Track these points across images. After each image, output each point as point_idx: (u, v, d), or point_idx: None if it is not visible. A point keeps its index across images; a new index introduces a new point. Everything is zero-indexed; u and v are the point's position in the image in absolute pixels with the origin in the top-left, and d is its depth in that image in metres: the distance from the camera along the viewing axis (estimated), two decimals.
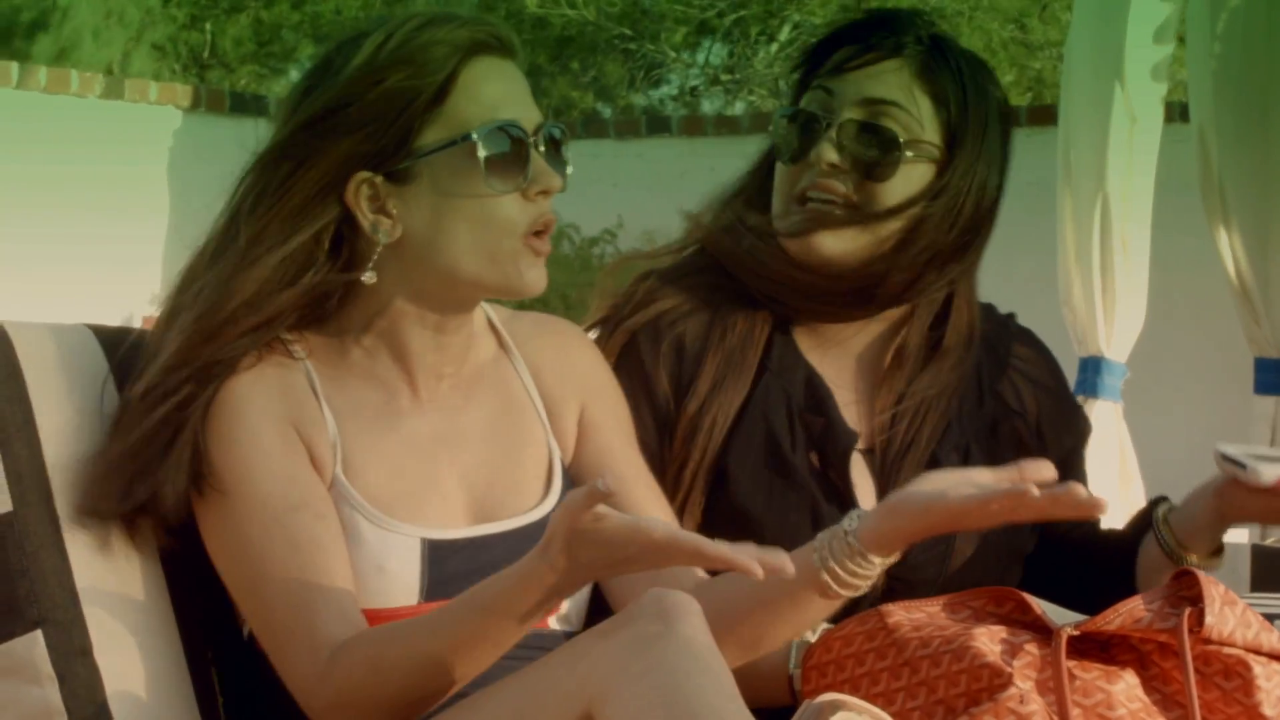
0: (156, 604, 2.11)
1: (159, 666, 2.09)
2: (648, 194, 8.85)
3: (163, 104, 9.27)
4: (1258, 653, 2.08)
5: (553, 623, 2.15)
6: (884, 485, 2.35)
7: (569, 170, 2.12)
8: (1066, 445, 2.48)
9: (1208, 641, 2.05)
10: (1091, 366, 5.42)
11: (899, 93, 2.35)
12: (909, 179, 2.36)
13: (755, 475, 2.33)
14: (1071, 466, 2.45)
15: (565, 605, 2.15)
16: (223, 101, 9.51)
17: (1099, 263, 5.38)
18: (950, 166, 2.37)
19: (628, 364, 2.36)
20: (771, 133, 2.42)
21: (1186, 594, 2.09)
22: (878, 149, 2.34)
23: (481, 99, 2.06)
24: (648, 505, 2.20)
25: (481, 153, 2.05)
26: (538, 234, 2.09)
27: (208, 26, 16.74)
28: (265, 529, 2.02)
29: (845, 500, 2.33)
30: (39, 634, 2.03)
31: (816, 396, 2.37)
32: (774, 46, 15.96)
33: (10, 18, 14.12)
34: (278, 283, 2.06)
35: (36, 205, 8.50)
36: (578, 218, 8.63)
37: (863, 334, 2.43)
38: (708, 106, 16.28)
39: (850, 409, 2.40)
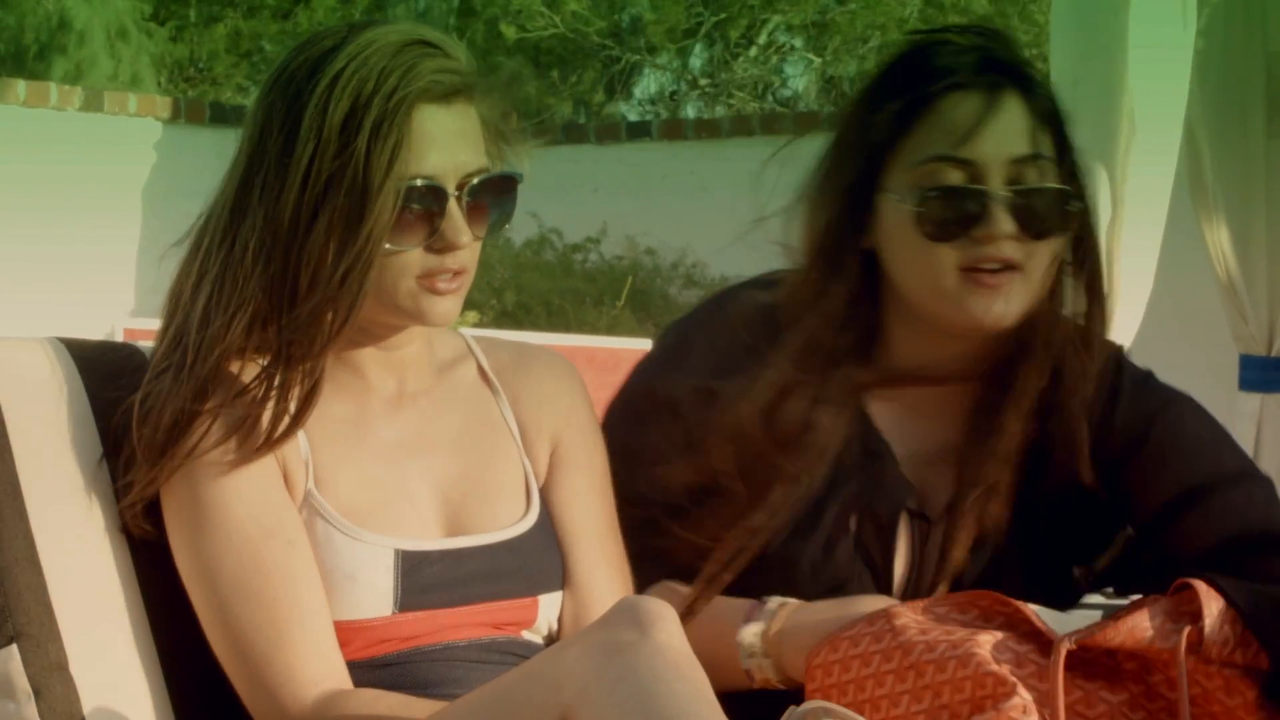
0: (133, 618, 2.10)
1: (136, 681, 2.08)
2: (630, 198, 8.86)
3: (142, 116, 9.25)
4: (1258, 669, 2.08)
5: (525, 634, 2.15)
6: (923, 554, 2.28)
7: (511, 209, 2.10)
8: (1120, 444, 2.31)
9: (1209, 660, 2.06)
10: None
11: (1032, 141, 2.25)
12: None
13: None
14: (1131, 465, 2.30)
15: (538, 617, 2.15)
16: (202, 112, 9.49)
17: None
18: (1080, 186, 2.30)
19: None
20: (918, 211, 2.23)
21: (1188, 609, 2.08)
22: (1051, 210, 2.25)
23: (406, 153, 2.02)
24: (597, 562, 2.20)
25: None
26: (456, 273, 2.07)
27: (190, 38, 16.73)
28: (238, 557, 2.03)
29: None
30: (14, 649, 2.03)
31: (871, 449, 2.29)
32: (753, 50, 15.98)
33: (17, 42, 14.09)
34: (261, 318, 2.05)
35: (17, 220, 8.48)
36: (560, 223, 8.63)
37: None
38: (688, 112, 16.28)
39: (908, 464, 2.31)
